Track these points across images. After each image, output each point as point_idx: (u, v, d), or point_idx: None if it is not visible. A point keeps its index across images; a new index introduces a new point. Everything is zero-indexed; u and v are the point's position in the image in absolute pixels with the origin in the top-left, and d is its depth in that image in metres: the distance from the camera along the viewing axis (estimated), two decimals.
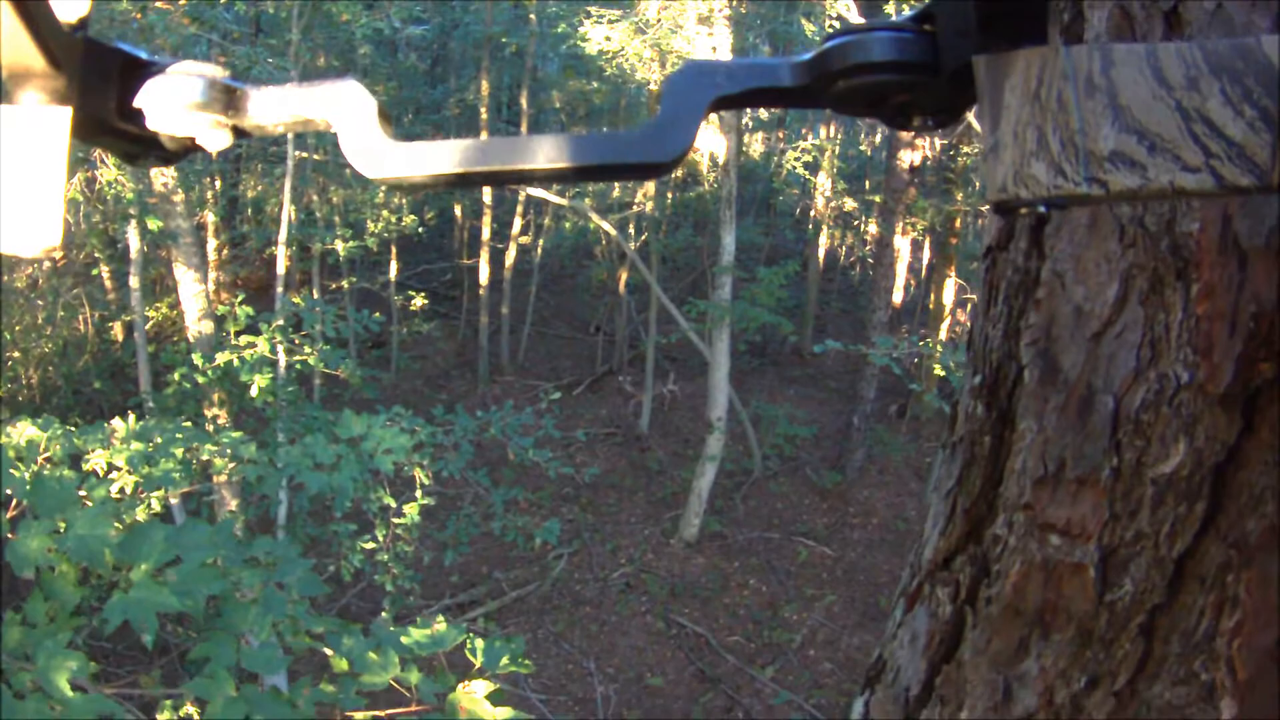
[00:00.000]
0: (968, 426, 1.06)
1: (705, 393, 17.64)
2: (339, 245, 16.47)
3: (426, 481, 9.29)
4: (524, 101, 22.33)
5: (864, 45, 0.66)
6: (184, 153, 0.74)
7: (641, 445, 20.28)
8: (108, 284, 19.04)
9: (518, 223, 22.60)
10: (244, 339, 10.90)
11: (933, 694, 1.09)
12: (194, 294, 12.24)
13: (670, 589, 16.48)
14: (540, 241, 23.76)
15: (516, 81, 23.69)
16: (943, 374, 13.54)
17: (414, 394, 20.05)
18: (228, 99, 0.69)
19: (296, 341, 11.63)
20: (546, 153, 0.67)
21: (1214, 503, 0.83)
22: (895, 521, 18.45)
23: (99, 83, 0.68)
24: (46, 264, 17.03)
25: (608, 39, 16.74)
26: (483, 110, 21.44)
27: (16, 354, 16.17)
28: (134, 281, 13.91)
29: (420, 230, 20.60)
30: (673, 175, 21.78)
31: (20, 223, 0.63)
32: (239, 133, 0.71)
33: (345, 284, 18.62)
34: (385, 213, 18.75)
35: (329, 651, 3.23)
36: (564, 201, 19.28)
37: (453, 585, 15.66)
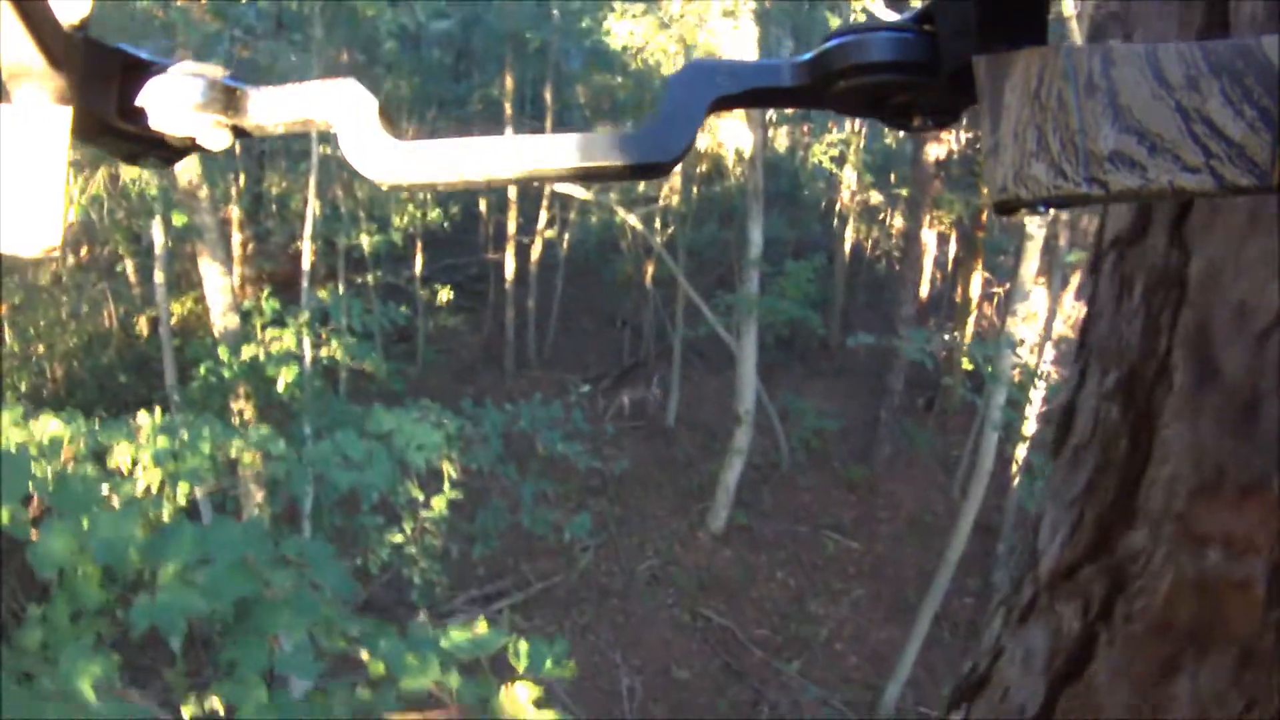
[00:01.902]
0: (1101, 431, 1.01)
1: (732, 386, 17.60)
2: (364, 240, 16.47)
3: (455, 475, 9.28)
4: (548, 97, 22.31)
5: (863, 45, 0.66)
6: (184, 153, 0.74)
7: (668, 438, 20.24)
8: (132, 279, 19.10)
9: (543, 216, 22.58)
10: (270, 333, 10.89)
11: (1053, 717, 1.05)
12: (219, 288, 12.24)
13: (697, 582, 16.47)
14: (566, 235, 23.72)
15: (540, 77, 23.66)
16: (970, 368, 13.50)
17: (440, 388, 20.00)
18: (228, 99, 0.69)
19: (323, 335, 11.62)
20: (547, 154, 0.67)
21: None
22: (923, 515, 18.39)
23: (100, 83, 0.68)
24: (70, 259, 17.10)
25: (631, 34, 16.68)
26: (507, 106, 21.40)
27: (41, 349, 16.23)
28: (159, 277, 13.94)
29: (445, 224, 20.61)
30: (698, 169, 21.89)
31: (20, 223, 0.63)
32: (239, 133, 0.71)
33: (370, 278, 18.64)
34: (410, 207, 18.77)
35: (365, 655, 3.16)
36: (589, 195, 19.25)
37: (479, 578, 15.64)
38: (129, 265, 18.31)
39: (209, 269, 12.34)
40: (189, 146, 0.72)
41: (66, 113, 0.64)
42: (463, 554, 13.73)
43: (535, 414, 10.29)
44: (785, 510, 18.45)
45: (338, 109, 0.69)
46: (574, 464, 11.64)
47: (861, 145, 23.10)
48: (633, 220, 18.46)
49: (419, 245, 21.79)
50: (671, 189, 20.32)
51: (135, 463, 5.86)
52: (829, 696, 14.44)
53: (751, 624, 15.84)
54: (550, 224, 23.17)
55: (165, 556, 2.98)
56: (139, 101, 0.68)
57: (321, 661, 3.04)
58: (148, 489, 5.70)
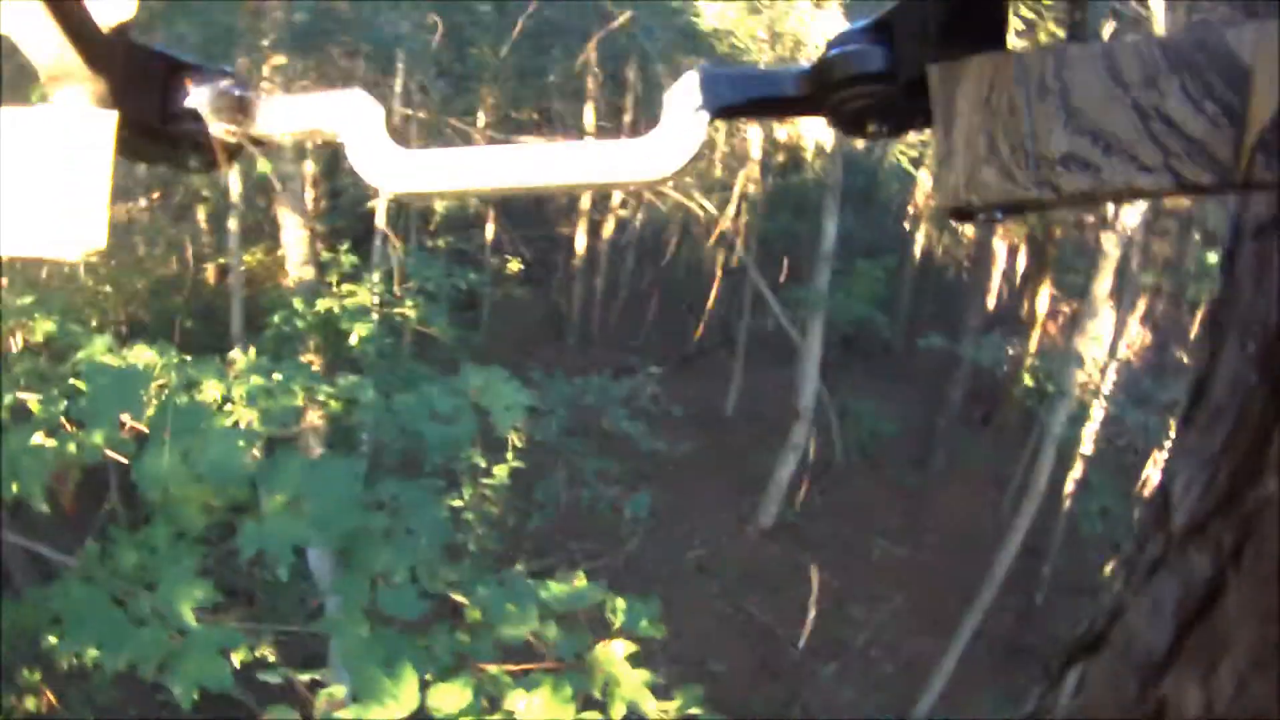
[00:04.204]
0: (1239, 395, 1.07)
1: (792, 381, 17.51)
2: (437, 203, 16.49)
3: (519, 444, 9.30)
4: (630, 75, 22.26)
5: (863, 56, 0.68)
6: (232, 156, 0.75)
7: (725, 428, 20.16)
8: (203, 227, 19.24)
9: (617, 195, 22.57)
10: (345, 287, 10.94)
11: (1180, 655, 1.08)
12: (297, 239, 12.25)
13: (741, 575, 16.40)
14: (638, 216, 23.67)
15: (622, 53, 23.60)
16: (1032, 383, 13.49)
17: (502, 358, 19.80)
18: (236, 106, 0.71)
19: (397, 294, 11.65)
20: (552, 163, 0.68)
21: None
22: (971, 529, 18.23)
23: (142, 86, 0.70)
24: (143, 202, 17.24)
25: (723, 16, 16.62)
26: (589, 82, 21.36)
27: (108, 288, 16.33)
28: (233, 225, 14.02)
29: None
30: (775, 160, 21.75)
31: (66, 225, 0.64)
32: (248, 140, 0.73)
33: (441, 242, 18.66)
34: None
35: (463, 600, 3.14)
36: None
37: (526, 551, 15.65)
38: (201, 213, 18.44)
39: (288, 219, 12.34)
40: (235, 149, 0.74)
41: (113, 116, 0.65)
42: (516, 526, 13.75)
43: (605, 390, 10.30)
44: (835, 511, 18.36)
45: (345, 118, 0.70)
46: (627, 446, 11.61)
47: None
48: (708, 205, 18.39)
49: (491, 214, 21.83)
50: (749, 178, 20.24)
51: (225, 399, 5.89)
52: (862, 701, 14.40)
53: (791, 622, 15.78)
54: (624, 203, 23.16)
55: (272, 485, 2.97)
56: (189, 104, 0.71)
57: (426, 601, 3.03)
58: (235, 424, 5.71)
